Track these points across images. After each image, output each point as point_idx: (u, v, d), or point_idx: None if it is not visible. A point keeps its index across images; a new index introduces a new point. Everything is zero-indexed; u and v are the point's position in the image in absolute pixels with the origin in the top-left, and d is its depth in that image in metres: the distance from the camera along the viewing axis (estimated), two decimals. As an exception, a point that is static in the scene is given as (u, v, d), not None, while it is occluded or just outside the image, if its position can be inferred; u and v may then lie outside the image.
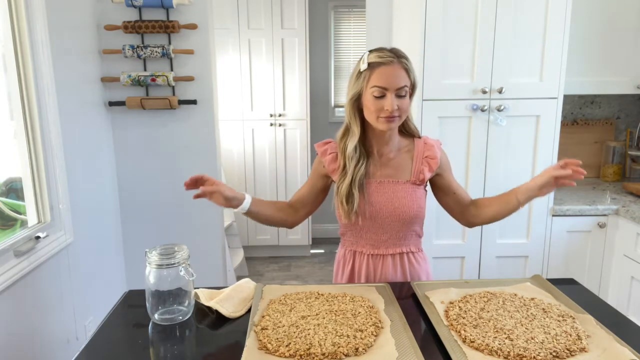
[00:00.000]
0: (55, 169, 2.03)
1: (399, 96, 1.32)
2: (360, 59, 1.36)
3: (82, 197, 2.27)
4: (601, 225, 2.26)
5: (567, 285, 1.38)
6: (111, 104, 2.53)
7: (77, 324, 2.20)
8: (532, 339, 1.05)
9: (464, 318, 1.13)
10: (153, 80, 2.45)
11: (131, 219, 2.68)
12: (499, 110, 2.17)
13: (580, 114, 2.82)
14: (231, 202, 1.33)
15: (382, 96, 1.31)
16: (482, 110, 2.17)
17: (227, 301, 1.24)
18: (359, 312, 1.17)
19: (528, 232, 2.29)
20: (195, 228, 2.69)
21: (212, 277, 2.75)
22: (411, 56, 1.41)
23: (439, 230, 2.27)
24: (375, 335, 1.08)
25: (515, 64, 2.14)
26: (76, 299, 2.18)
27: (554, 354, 1.00)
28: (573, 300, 1.23)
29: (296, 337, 1.06)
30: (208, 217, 2.70)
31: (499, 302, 1.22)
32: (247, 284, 1.34)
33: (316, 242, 4.30)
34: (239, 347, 1.05)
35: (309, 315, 1.15)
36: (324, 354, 1.00)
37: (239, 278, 2.43)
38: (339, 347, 1.02)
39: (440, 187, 1.49)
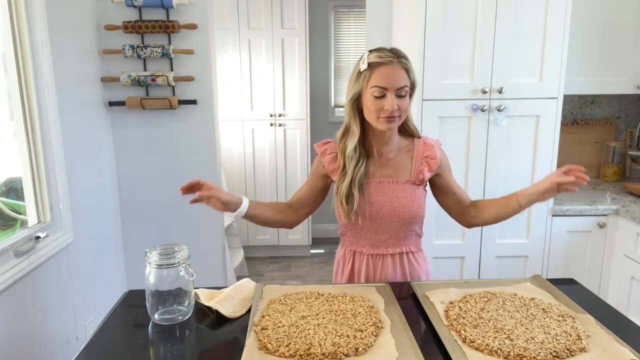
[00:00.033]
0: (55, 169, 2.03)
1: (399, 96, 1.32)
2: (360, 59, 1.36)
3: (82, 197, 2.27)
4: (601, 225, 2.26)
5: (567, 285, 1.38)
6: (111, 104, 2.53)
7: (77, 324, 2.20)
8: (532, 339, 1.05)
9: (464, 318, 1.13)
10: (153, 80, 2.45)
11: (131, 219, 2.68)
12: (499, 110, 2.17)
13: (580, 114, 2.82)
14: (228, 206, 1.33)
15: (382, 96, 1.31)
16: (482, 110, 2.17)
17: (227, 301, 1.24)
18: (359, 312, 1.17)
19: (528, 232, 2.29)
20: (195, 228, 2.69)
21: (212, 277, 2.75)
22: (411, 56, 1.41)
23: (439, 230, 2.27)
24: (375, 335, 1.08)
25: (515, 64, 2.14)
26: (76, 299, 2.18)
27: (554, 354, 1.00)
28: (573, 300, 1.23)
29: (296, 337, 1.06)
30: (208, 217, 2.70)
31: (499, 302, 1.22)
32: (247, 284, 1.34)
33: (316, 242, 4.30)
34: (239, 347, 1.05)
35: (309, 315, 1.15)
36: (324, 354, 1.00)
37: (239, 278, 2.43)
38: (339, 347, 1.02)
39: (440, 187, 1.49)
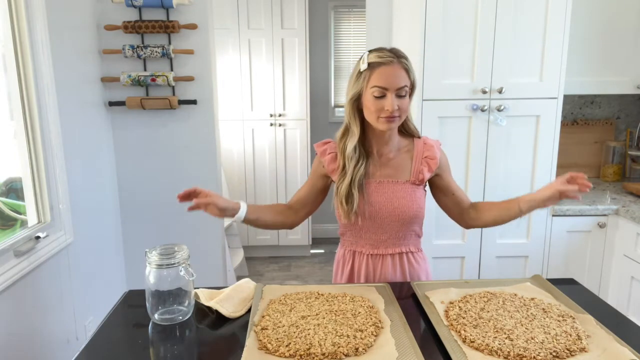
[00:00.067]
0: (55, 169, 2.03)
1: (399, 96, 1.32)
2: (360, 59, 1.36)
3: (82, 197, 2.27)
4: (601, 225, 2.26)
5: (567, 285, 1.38)
6: (111, 104, 2.53)
7: (77, 324, 2.20)
8: (532, 339, 1.05)
9: (464, 318, 1.13)
10: (153, 80, 2.45)
11: (131, 219, 2.68)
12: (499, 110, 2.17)
13: (580, 114, 2.82)
14: (226, 212, 1.33)
15: (383, 96, 1.31)
16: (482, 110, 2.17)
17: (227, 301, 1.24)
18: (359, 312, 1.17)
19: (528, 232, 2.29)
20: (195, 228, 2.69)
21: (212, 277, 2.75)
22: (411, 56, 1.41)
23: (438, 230, 2.27)
24: (375, 335, 1.08)
25: (515, 64, 2.14)
26: (76, 299, 2.18)
27: (554, 354, 1.00)
28: (573, 300, 1.23)
29: (296, 337, 1.06)
30: (208, 217, 2.65)
31: (499, 302, 1.22)
32: (247, 284, 1.34)
33: (316, 242, 4.30)
34: (239, 347, 1.05)
35: (309, 315, 1.15)
36: (324, 354, 1.00)
37: (239, 278, 2.43)
38: (339, 347, 1.02)
39: (439, 188, 1.49)
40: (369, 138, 1.43)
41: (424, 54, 2.12)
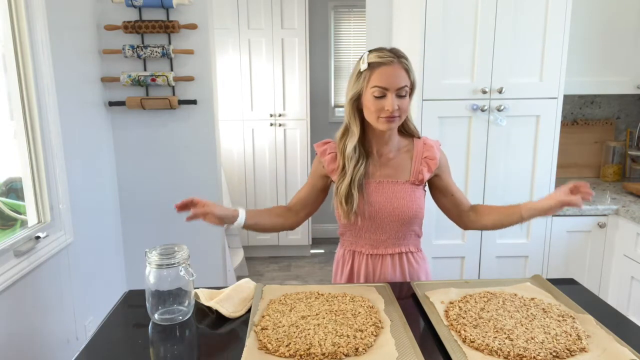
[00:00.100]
0: (55, 169, 2.03)
1: (399, 96, 1.32)
2: (360, 59, 1.36)
3: (82, 197, 2.27)
4: (601, 225, 2.26)
5: (567, 285, 1.38)
6: (111, 104, 2.53)
7: (77, 324, 2.20)
8: (532, 339, 1.05)
9: (464, 318, 1.13)
10: (153, 80, 2.45)
11: (131, 219, 2.68)
12: (499, 110, 2.17)
13: (580, 114, 2.82)
14: (224, 220, 1.35)
15: (383, 96, 1.31)
16: (482, 110, 2.17)
17: (227, 301, 1.24)
18: (359, 312, 1.17)
19: (528, 232, 2.29)
20: (195, 228, 2.66)
21: (212, 277, 2.75)
22: (411, 56, 1.41)
23: (438, 230, 2.26)
24: (375, 335, 1.08)
25: (515, 64, 2.14)
26: (76, 299, 2.18)
27: (554, 354, 1.00)
28: (573, 300, 1.23)
29: (296, 337, 1.06)
30: (208, 217, 2.69)
31: (499, 302, 1.22)
32: (247, 284, 1.34)
33: (316, 242, 4.30)
34: (239, 347, 1.05)
35: (309, 315, 1.15)
36: (324, 354, 1.00)
37: (239, 278, 2.43)
38: (339, 347, 1.02)
39: (439, 188, 1.49)
40: (368, 138, 1.43)
41: (424, 54, 2.12)
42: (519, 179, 2.25)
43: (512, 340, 1.04)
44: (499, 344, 1.02)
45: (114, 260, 2.62)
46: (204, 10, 2.49)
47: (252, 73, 3.78)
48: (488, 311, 1.17)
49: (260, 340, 1.06)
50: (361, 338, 1.05)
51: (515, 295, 1.26)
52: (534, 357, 0.98)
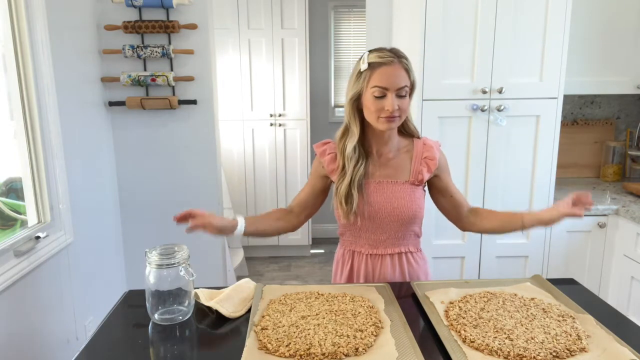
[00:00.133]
0: (55, 169, 2.03)
1: (399, 96, 1.32)
2: (360, 59, 1.36)
3: (82, 197, 2.27)
4: (601, 225, 2.26)
5: (567, 285, 1.38)
6: (111, 104, 2.53)
7: (77, 324, 2.20)
8: (532, 339, 1.05)
9: (464, 318, 1.13)
10: (153, 80, 2.45)
11: (131, 219, 2.68)
12: (499, 110, 2.17)
13: (580, 114, 2.82)
14: (224, 230, 1.35)
15: (383, 96, 1.31)
16: (482, 110, 2.17)
17: (227, 301, 1.24)
18: (359, 312, 1.17)
19: (528, 232, 2.29)
20: (195, 228, 2.69)
21: (212, 277, 2.75)
22: (411, 56, 1.41)
23: (438, 230, 2.26)
24: (375, 335, 1.08)
25: (515, 64, 2.14)
26: (76, 299, 2.18)
27: (554, 354, 1.00)
28: (573, 300, 1.23)
29: (296, 337, 1.06)
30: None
31: (499, 302, 1.22)
32: (247, 284, 1.34)
33: (316, 242, 4.30)
34: (239, 347, 1.05)
35: (309, 315, 1.15)
36: (324, 354, 1.00)
37: (239, 278, 2.43)
38: (339, 347, 1.02)
39: (438, 189, 1.49)
40: (368, 138, 1.43)
41: (424, 54, 2.12)
42: (519, 179, 2.25)
43: (512, 340, 1.04)
44: (499, 344, 1.02)
45: (114, 260, 2.62)
46: (204, 10, 2.49)
47: (252, 73, 3.78)
48: (488, 311, 1.17)
49: (260, 340, 1.06)
50: (361, 338, 1.05)
51: (515, 295, 1.26)
52: (534, 357, 0.98)
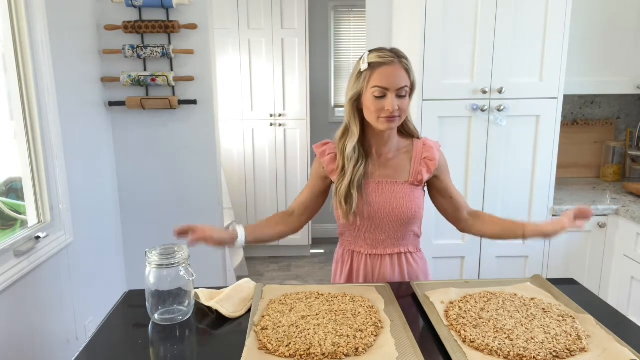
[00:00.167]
0: (55, 169, 2.03)
1: (399, 96, 1.32)
2: (360, 59, 1.36)
3: (82, 197, 2.27)
4: (601, 225, 2.26)
5: (567, 285, 1.38)
6: (111, 104, 2.53)
7: (77, 324, 2.20)
8: (532, 339, 1.05)
9: (464, 318, 1.13)
10: (153, 80, 2.45)
11: (131, 219, 2.68)
12: (499, 110, 2.17)
13: (580, 114, 2.82)
14: (224, 243, 1.36)
15: (383, 96, 1.31)
16: (482, 110, 2.17)
17: (227, 301, 1.24)
18: (359, 312, 1.17)
19: (528, 232, 2.29)
20: (195, 228, 2.69)
21: (212, 277, 2.75)
22: (411, 56, 1.41)
23: (438, 230, 2.26)
24: (375, 335, 1.08)
25: (515, 64, 2.14)
26: (76, 299, 2.18)
27: (554, 354, 1.00)
28: (573, 300, 1.23)
29: (296, 337, 1.06)
30: (208, 217, 2.70)
31: (499, 302, 1.22)
32: (247, 284, 1.34)
33: (316, 242, 4.30)
34: (239, 347, 1.05)
35: (309, 315, 1.15)
36: (324, 354, 1.00)
37: (239, 278, 2.43)
38: (339, 347, 1.02)
39: (437, 190, 1.49)
40: (368, 138, 1.43)
41: (424, 54, 2.12)
42: (519, 179, 2.25)
43: (512, 340, 1.04)
44: (499, 344, 1.02)
45: (114, 260, 2.62)
46: (204, 10, 2.49)
47: (252, 73, 3.78)
48: (488, 311, 1.17)
49: (260, 340, 1.06)
50: (361, 338, 1.05)
51: (515, 295, 1.26)
52: (534, 357, 0.98)
